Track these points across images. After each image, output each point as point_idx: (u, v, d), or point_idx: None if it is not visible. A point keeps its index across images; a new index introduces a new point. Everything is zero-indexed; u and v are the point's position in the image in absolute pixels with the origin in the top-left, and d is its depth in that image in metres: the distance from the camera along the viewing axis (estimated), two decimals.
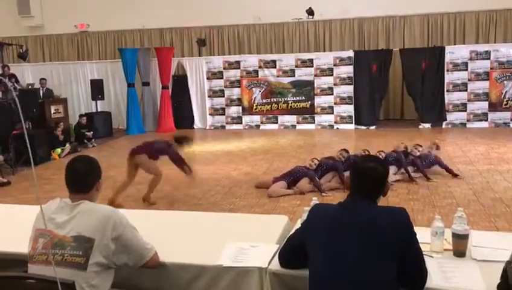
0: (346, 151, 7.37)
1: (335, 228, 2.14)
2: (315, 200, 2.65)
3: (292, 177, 6.81)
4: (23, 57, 13.00)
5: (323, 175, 6.94)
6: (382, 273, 2.02)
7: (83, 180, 2.39)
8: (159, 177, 6.32)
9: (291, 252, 2.35)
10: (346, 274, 2.03)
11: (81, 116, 12.05)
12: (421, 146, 7.64)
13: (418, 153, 7.40)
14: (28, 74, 14.01)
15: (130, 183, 6.34)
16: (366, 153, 7.12)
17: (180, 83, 13.51)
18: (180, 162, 6.33)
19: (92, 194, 2.41)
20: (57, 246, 2.24)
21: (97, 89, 13.11)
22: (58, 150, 10.11)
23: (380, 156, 7.19)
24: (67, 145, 10.49)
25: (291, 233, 2.59)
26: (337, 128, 12.63)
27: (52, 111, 11.43)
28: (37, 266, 2.25)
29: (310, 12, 13.72)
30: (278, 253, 2.45)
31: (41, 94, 12.00)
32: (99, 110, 13.26)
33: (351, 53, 12.67)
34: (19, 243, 2.53)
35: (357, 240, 2.06)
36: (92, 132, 11.56)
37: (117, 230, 2.28)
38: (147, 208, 6.06)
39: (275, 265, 2.39)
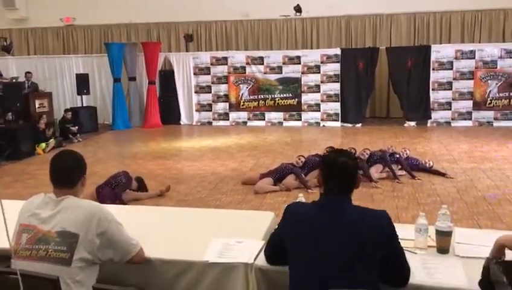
0: (333, 148, 7.40)
1: (313, 229, 2.11)
2: (301, 196, 2.67)
3: (278, 174, 6.84)
4: (7, 50, 12.84)
5: (309, 172, 6.97)
6: (362, 274, 2.01)
7: (68, 175, 2.37)
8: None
9: (273, 249, 2.35)
10: (325, 275, 2.01)
11: (66, 110, 11.92)
12: (408, 149, 7.74)
13: (406, 156, 7.49)
14: (12, 67, 13.79)
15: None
16: (353, 151, 7.16)
17: (167, 78, 13.42)
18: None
19: (77, 190, 2.40)
20: (41, 241, 2.22)
21: (83, 83, 12.97)
22: (43, 145, 9.99)
23: (366, 154, 7.27)
24: (52, 140, 10.36)
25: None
26: (324, 125, 12.67)
27: (37, 105, 11.30)
28: (21, 261, 2.22)
29: (298, 9, 13.74)
30: (263, 249, 2.45)
31: (26, 88, 11.84)
32: (84, 104, 13.12)
33: (338, 51, 12.71)
34: (1, 238, 2.49)
35: (337, 241, 2.04)
36: (77, 127, 11.45)
37: (102, 226, 2.26)
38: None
39: (261, 261, 2.40)
